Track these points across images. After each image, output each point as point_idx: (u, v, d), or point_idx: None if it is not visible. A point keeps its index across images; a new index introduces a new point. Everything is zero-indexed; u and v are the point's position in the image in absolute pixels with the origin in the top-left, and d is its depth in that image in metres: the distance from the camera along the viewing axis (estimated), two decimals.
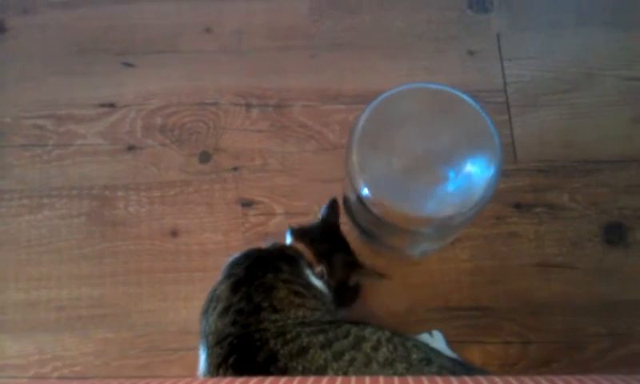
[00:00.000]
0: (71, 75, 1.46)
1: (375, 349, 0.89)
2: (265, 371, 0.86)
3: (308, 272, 1.07)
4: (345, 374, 0.85)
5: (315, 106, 1.42)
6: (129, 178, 1.37)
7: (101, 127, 1.42)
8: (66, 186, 1.37)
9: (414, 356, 0.92)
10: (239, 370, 0.88)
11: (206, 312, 1.01)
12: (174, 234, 1.33)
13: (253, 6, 1.52)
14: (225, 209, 1.35)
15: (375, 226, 1.13)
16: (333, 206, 1.19)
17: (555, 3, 1.51)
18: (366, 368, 0.86)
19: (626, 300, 1.28)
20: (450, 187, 1.01)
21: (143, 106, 1.43)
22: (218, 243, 1.32)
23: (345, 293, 1.14)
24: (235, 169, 1.38)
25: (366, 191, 1.02)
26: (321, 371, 0.85)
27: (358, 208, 1.09)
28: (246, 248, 1.09)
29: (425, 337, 1.21)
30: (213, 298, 1.01)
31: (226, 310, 0.97)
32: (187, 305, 1.29)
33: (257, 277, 1.00)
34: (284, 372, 0.85)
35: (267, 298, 0.97)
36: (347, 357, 0.87)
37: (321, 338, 0.90)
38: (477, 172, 1.01)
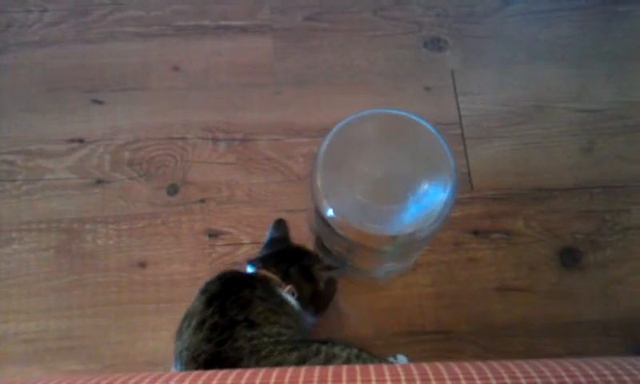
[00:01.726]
0: (41, 112, 1.48)
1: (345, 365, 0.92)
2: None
3: (280, 292, 1.09)
4: None
5: (280, 139, 1.47)
6: (97, 212, 1.39)
7: (70, 162, 1.43)
8: (35, 220, 1.38)
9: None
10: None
11: (179, 330, 1.02)
12: (142, 265, 1.35)
13: (219, 45, 1.57)
14: (192, 240, 1.37)
15: (342, 247, 1.17)
16: (278, 225, 1.24)
17: (507, 41, 1.59)
18: None
19: (582, 321, 1.32)
20: (410, 207, 1.06)
21: (112, 141, 1.46)
22: (186, 274, 1.34)
23: (320, 297, 1.17)
24: (202, 200, 1.40)
25: (330, 212, 1.06)
26: None
27: (324, 231, 1.13)
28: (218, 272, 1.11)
29: (390, 361, 1.24)
30: (187, 315, 1.03)
31: (200, 324, 0.99)
32: (155, 336, 1.29)
33: (232, 292, 1.03)
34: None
35: (242, 313, 0.99)
36: None
37: (294, 355, 0.93)
38: (434, 192, 1.06)
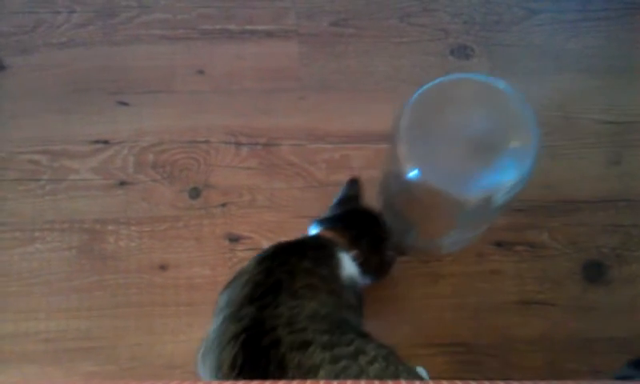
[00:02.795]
0: (67, 113, 1.50)
1: (370, 363, 0.91)
2: (265, 355, 0.89)
3: (340, 257, 1.09)
4: (335, 377, 0.87)
5: (303, 144, 1.46)
6: (120, 213, 1.40)
7: (94, 163, 1.45)
8: (58, 220, 1.39)
9: (402, 379, 0.94)
10: (247, 349, 0.91)
11: (227, 286, 1.04)
12: (163, 268, 1.35)
13: (244, 50, 1.58)
14: (213, 244, 1.37)
15: (416, 213, 1.20)
16: (352, 183, 1.25)
17: (534, 50, 1.57)
18: (356, 378, 0.88)
19: (605, 337, 1.30)
20: (492, 170, 1.07)
21: (136, 143, 1.47)
22: (206, 277, 1.34)
23: (383, 265, 1.20)
24: (224, 205, 1.41)
25: (413, 174, 1.07)
26: (313, 370, 0.87)
27: (401, 196, 1.17)
28: None
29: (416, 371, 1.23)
30: (239, 273, 1.04)
31: (247, 282, 1.00)
32: (174, 339, 1.30)
33: (281, 256, 1.04)
34: (281, 361, 0.88)
35: (287, 280, 0.99)
36: (343, 363, 0.89)
37: (325, 338, 0.92)
38: (516, 156, 1.07)
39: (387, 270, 1.23)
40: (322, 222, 1.17)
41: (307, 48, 1.58)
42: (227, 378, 0.91)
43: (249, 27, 1.60)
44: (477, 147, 1.09)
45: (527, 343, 1.30)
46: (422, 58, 1.57)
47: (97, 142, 1.46)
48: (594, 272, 1.35)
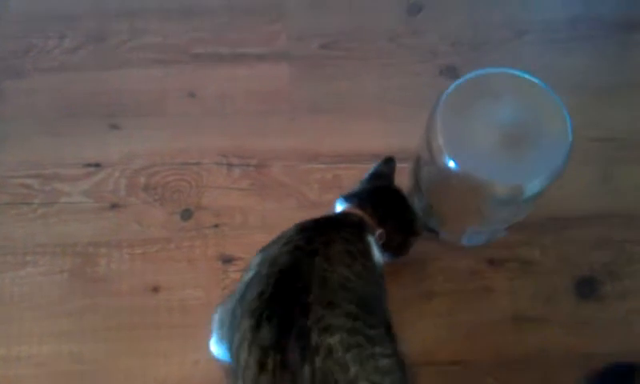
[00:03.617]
0: (59, 136, 1.51)
1: (384, 356, 0.96)
2: (294, 296, 0.93)
3: (368, 237, 1.12)
4: (346, 349, 0.90)
5: (295, 165, 1.47)
6: (112, 236, 1.40)
7: (86, 186, 1.45)
8: (50, 243, 1.39)
9: None
10: (278, 286, 0.95)
11: (263, 250, 1.08)
12: (155, 290, 1.35)
13: (235, 72, 1.59)
14: (205, 265, 1.37)
15: (444, 199, 1.24)
16: (387, 161, 1.28)
17: (522, 69, 1.58)
18: (362, 360, 0.91)
19: (599, 352, 1.29)
20: (526, 162, 1.10)
21: (128, 165, 1.47)
22: (199, 299, 1.34)
23: (405, 246, 1.25)
24: (216, 226, 1.41)
25: (451, 163, 1.09)
26: (330, 331, 0.90)
27: (431, 179, 1.20)
28: None
29: None
30: (277, 237, 1.09)
31: (287, 243, 1.04)
32: (167, 361, 1.29)
33: (322, 228, 1.08)
34: (305, 307, 0.91)
35: (324, 247, 1.01)
36: (358, 339, 0.93)
37: (351, 307, 0.96)
38: (550, 149, 1.10)
39: (407, 250, 1.25)
40: (350, 198, 1.19)
41: (298, 70, 1.59)
42: (251, 304, 0.95)
43: (240, 50, 1.62)
44: (510, 139, 1.12)
45: (522, 360, 1.29)
46: (411, 79, 1.59)
47: (88, 165, 1.47)
48: (587, 288, 1.35)
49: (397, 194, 1.24)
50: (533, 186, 1.09)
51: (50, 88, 1.56)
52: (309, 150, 1.49)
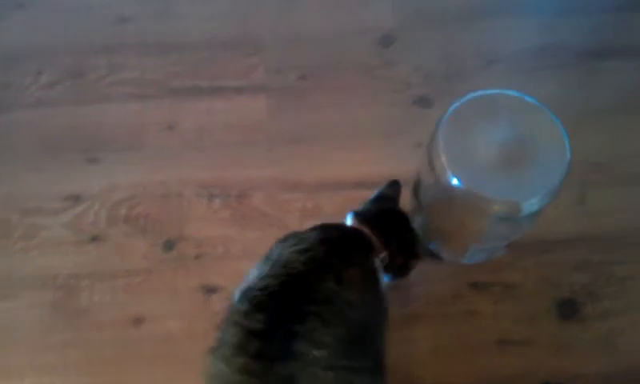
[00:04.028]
0: (38, 171, 1.51)
1: None
2: (295, 302, 0.95)
3: (377, 262, 1.13)
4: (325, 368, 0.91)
5: (275, 195, 1.48)
6: (93, 268, 1.39)
7: (66, 219, 1.44)
8: (30, 277, 1.38)
9: None
10: (283, 287, 0.97)
11: (283, 241, 1.10)
12: (138, 321, 1.34)
13: (213, 105, 1.61)
14: (188, 295, 1.36)
15: (445, 218, 1.26)
16: (393, 184, 1.28)
17: None
18: None
19: (582, 373, 1.31)
20: (526, 181, 1.13)
21: (108, 198, 1.47)
22: (182, 330, 1.32)
23: (406, 268, 1.25)
24: (198, 256, 1.40)
25: (454, 180, 1.12)
26: (319, 346, 0.91)
27: (432, 199, 1.23)
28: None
29: None
30: (297, 236, 1.10)
31: (305, 250, 1.04)
32: None
33: (343, 245, 1.09)
34: (301, 316, 0.92)
35: (340, 268, 1.02)
36: (344, 363, 0.94)
37: (343, 333, 0.96)
38: (548, 167, 1.13)
39: (407, 273, 1.26)
40: (360, 215, 1.20)
41: (275, 102, 1.61)
42: (252, 291, 0.98)
43: (217, 84, 1.64)
44: (510, 157, 1.14)
45: (507, 382, 1.30)
46: (385, 109, 1.61)
47: (68, 198, 1.47)
48: (568, 309, 1.36)
49: (401, 216, 1.25)
50: (532, 204, 1.12)
51: (28, 123, 1.56)
52: (288, 179, 1.50)
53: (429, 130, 1.55)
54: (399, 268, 1.22)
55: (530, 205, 1.12)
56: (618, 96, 1.55)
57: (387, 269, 1.18)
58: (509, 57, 1.69)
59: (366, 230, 1.16)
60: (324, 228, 1.12)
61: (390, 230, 1.19)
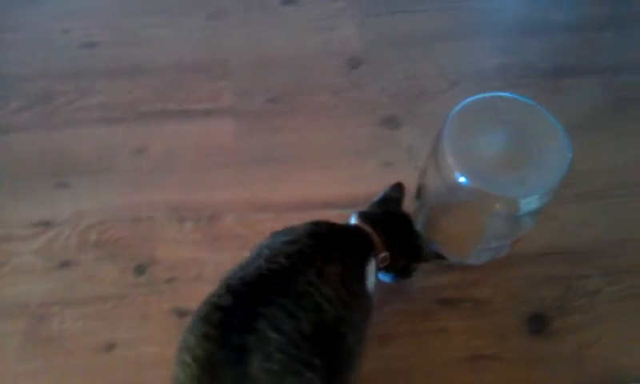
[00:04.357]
0: (7, 197, 1.49)
1: None
2: (266, 293, 0.97)
3: (370, 262, 1.15)
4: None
5: (246, 216, 1.48)
6: (64, 294, 1.37)
7: (36, 245, 1.43)
8: (2, 306, 1.35)
9: None
10: (260, 279, 1.00)
11: (276, 234, 1.14)
12: (109, 347, 1.32)
13: (182, 128, 1.61)
14: (161, 320, 1.35)
15: (454, 217, 1.30)
16: (396, 186, 1.32)
17: None
18: None
19: None
20: (529, 179, 1.17)
21: (78, 223, 1.46)
22: (154, 355, 1.30)
23: (408, 270, 1.30)
24: (170, 280, 1.39)
25: (462, 178, 1.15)
26: (277, 329, 0.93)
27: (442, 198, 1.26)
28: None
29: None
30: (290, 229, 1.14)
31: (292, 242, 1.08)
32: None
33: (331, 240, 1.12)
34: (270, 302, 0.95)
35: (322, 262, 1.04)
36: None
37: (298, 337, 0.96)
38: (550, 166, 1.17)
39: (411, 274, 1.31)
40: (364, 215, 1.23)
41: (244, 124, 1.62)
42: (231, 279, 1.03)
43: (186, 107, 1.64)
44: (511, 157, 1.19)
45: None
46: (354, 129, 1.63)
47: (38, 224, 1.45)
48: (538, 324, 1.38)
49: (405, 219, 1.28)
50: (531, 202, 1.17)
51: None
52: (259, 200, 1.51)
53: (397, 150, 1.59)
54: (402, 269, 1.26)
55: (530, 202, 1.16)
56: (581, 113, 1.58)
57: (389, 269, 1.22)
58: (473, 77, 1.73)
59: (368, 229, 1.19)
60: (316, 223, 1.15)
61: (394, 231, 1.22)
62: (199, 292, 1.33)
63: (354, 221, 1.23)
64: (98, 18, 1.84)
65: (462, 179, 1.15)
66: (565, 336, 1.36)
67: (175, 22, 1.83)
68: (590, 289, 1.41)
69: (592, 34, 1.83)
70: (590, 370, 1.32)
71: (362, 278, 1.12)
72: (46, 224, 1.46)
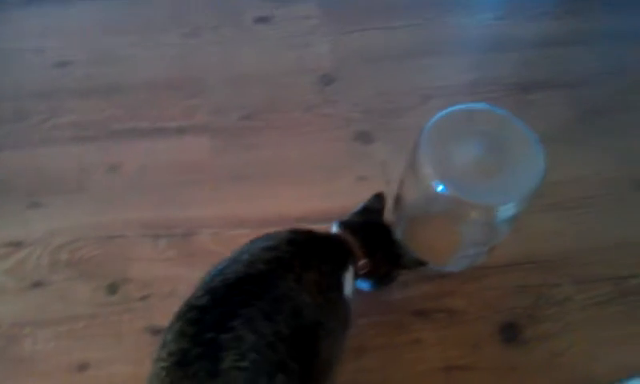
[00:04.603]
0: None
1: None
2: (244, 296, 0.98)
3: (347, 270, 1.17)
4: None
5: (221, 232, 1.48)
6: (36, 315, 1.36)
7: (7, 266, 1.42)
8: None
9: None
10: (240, 281, 1.02)
11: (255, 240, 1.15)
12: (83, 367, 1.30)
13: (155, 146, 1.61)
14: (134, 339, 1.34)
15: (431, 226, 1.34)
16: (377, 197, 1.33)
17: None
18: None
19: None
20: (504, 187, 1.19)
21: (50, 242, 1.45)
22: (128, 374, 1.29)
23: (388, 278, 1.32)
24: (144, 298, 1.39)
25: (440, 187, 1.17)
26: (252, 329, 0.94)
27: (420, 209, 1.30)
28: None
29: None
30: (267, 236, 1.15)
31: (271, 248, 1.10)
32: None
33: (309, 247, 1.14)
34: (248, 303, 0.97)
35: (300, 269, 1.07)
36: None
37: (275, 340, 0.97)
38: (524, 173, 1.19)
39: (390, 282, 1.33)
40: (343, 223, 1.25)
41: (218, 141, 1.63)
42: (210, 282, 1.05)
43: (159, 125, 1.65)
44: (487, 166, 1.21)
45: None
46: (328, 145, 1.65)
47: (9, 244, 1.44)
48: (510, 333, 1.39)
49: (385, 228, 1.30)
50: (508, 208, 1.19)
51: None
52: (234, 216, 1.51)
53: (370, 165, 1.60)
54: (383, 277, 1.29)
55: (506, 210, 1.19)
56: (548, 126, 1.60)
57: (370, 276, 1.24)
58: (443, 92, 1.74)
59: (349, 237, 1.21)
60: (295, 231, 1.17)
61: (374, 239, 1.24)
62: (173, 309, 1.32)
63: (334, 230, 1.24)
64: (71, 38, 1.84)
65: (439, 188, 1.17)
66: (537, 344, 1.37)
67: (149, 40, 1.84)
68: (561, 297, 1.42)
69: (557, 50, 1.87)
70: (561, 378, 1.34)
71: (339, 285, 1.14)
72: (18, 244, 1.44)
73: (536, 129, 1.22)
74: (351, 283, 1.19)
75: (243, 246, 1.14)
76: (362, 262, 1.21)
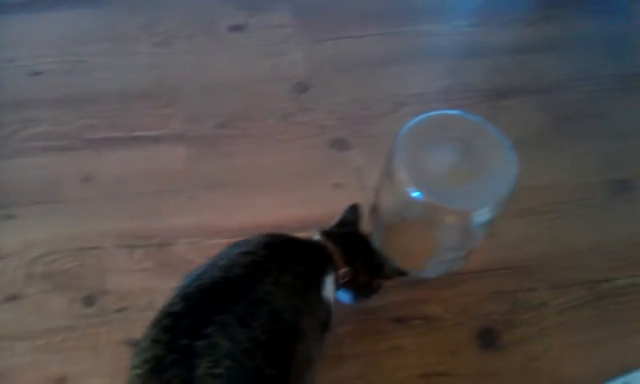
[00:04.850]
0: None
1: None
2: (220, 301, 0.98)
3: (327, 276, 1.17)
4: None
5: (199, 241, 1.47)
6: (12, 328, 1.34)
7: None
8: None
9: None
10: (215, 286, 1.02)
11: (232, 246, 1.14)
12: (60, 381, 1.29)
13: (131, 155, 1.60)
14: (112, 351, 1.33)
15: (407, 232, 1.34)
16: (352, 209, 1.34)
17: None
18: None
19: None
20: (478, 192, 1.20)
21: (24, 255, 1.43)
22: None
23: (369, 289, 1.33)
24: (121, 310, 1.38)
25: (415, 193, 1.17)
26: (228, 336, 0.94)
27: (394, 214, 1.29)
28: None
29: None
30: (242, 241, 1.15)
31: (248, 253, 1.09)
32: None
33: (285, 251, 1.15)
34: (224, 309, 0.96)
35: (277, 272, 1.07)
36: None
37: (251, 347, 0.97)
38: (498, 179, 1.20)
39: (372, 293, 1.34)
40: (324, 232, 1.25)
41: (194, 150, 1.62)
42: (186, 288, 1.05)
43: (134, 134, 1.64)
44: (461, 172, 1.21)
45: None
46: (304, 152, 1.65)
47: None
48: (488, 338, 1.40)
49: (364, 238, 1.31)
50: (483, 213, 1.20)
51: None
52: (211, 225, 1.50)
53: (346, 172, 1.60)
54: (364, 286, 1.30)
55: (482, 214, 1.20)
56: (521, 132, 1.62)
57: (350, 285, 1.25)
58: (416, 99, 1.76)
59: (329, 244, 1.21)
60: (271, 234, 1.17)
61: (354, 248, 1.26)
62: (151, 321, 1.34)
63: (315, 237, 1.25)
64: (44, 47, 1.82)
65: (415, 194, 1.17)
66: (513, 349, 1.39)
67: (122, 49, 1.83)
68: (536, 302, 1.44)
69: (531, 56, 1.89)
70: (538, 382, 1.35)
71: (317, 287, 1.14)
72: None
73: (510, 135, 1.23)
74: (332, 288, 1.19)
75: (220, 251, 1.14)
76: (342, 271, 1.21)
